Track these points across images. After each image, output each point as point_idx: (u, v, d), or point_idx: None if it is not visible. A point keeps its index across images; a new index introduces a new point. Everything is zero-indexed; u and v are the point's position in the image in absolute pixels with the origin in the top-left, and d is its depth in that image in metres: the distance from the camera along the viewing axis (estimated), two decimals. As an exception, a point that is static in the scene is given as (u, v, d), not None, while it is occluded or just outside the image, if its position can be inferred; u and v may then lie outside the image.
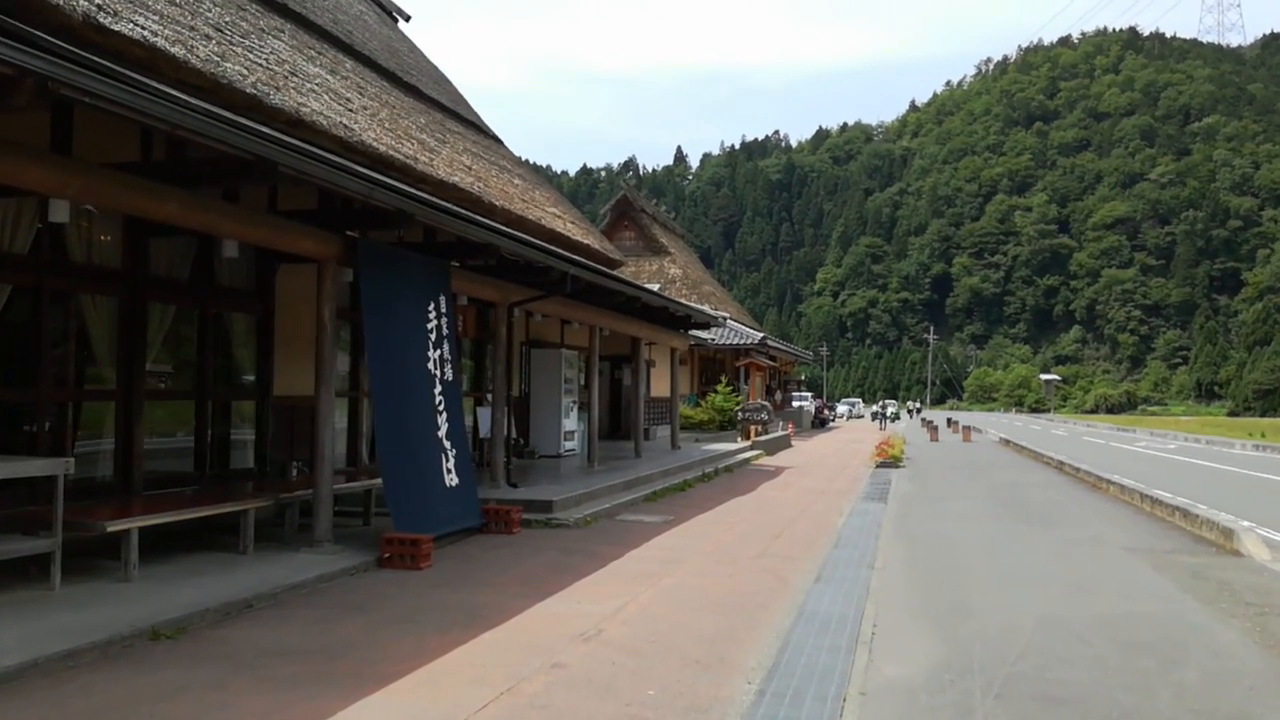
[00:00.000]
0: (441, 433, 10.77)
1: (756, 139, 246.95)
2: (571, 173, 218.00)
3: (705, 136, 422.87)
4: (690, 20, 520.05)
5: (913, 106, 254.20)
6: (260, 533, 9.91)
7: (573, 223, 19.62)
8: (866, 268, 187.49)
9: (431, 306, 10.93)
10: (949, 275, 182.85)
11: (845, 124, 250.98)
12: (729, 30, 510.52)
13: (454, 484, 10.81)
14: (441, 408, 10.87)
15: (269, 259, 11.67)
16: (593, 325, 17.15)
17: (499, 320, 13.38)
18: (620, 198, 45.45)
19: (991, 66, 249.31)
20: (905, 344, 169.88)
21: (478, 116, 20.79)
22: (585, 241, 18.92)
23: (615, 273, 16.73)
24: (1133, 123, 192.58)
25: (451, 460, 10.85)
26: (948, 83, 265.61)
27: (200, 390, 11.02)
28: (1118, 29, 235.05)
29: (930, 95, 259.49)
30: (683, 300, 22.62)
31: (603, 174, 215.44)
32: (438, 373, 10.90)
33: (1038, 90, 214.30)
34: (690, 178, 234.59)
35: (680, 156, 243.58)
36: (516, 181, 18.38)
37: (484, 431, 16.02)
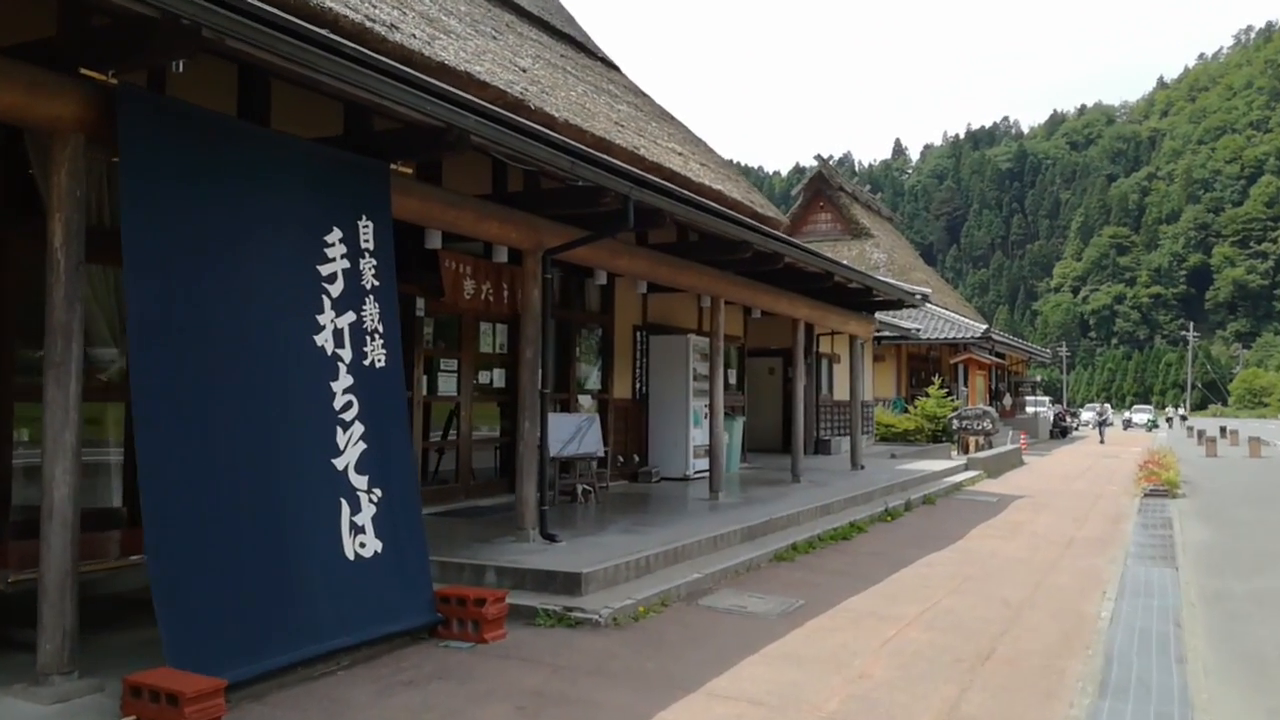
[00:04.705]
0: (345, 462, 5.97)
1: (983, 126, 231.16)
2: (784, 172, 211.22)
3: (926, 127, 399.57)
4: (909, 6, 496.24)
5: (1161, 83, 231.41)
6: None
7: (703, 164, 14.51)
8: (1111, 260, 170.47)
9: (335, 236, 6.16)
10: (1208, 267, 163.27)
11: (1083, 106, 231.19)
12: (951, 13, 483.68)
13: (369, 554, 5.98)
14: (350, 416, 6.07)
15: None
16: (716, 296, 11.99)
17: (526, 277, 8.48)
18: (814, 175, 39.87)
19: (1253, 35, 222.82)
20: (1158, 343, 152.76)
21: (585, 35, 16.06)
22: (718, 188, 13.77)
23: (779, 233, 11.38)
24: None
25: (367, 510, 6.03)
26: (1201, 55, 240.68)
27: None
28: None
29: (1181, 70, 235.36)
30: (858, 268, 17.07)
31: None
32: (344, 353, 6.11)
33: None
34: (910, 171, 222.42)
35: (899, 149, 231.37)
36: (620, 107, 13.49)
37: (556, 447, 11.17)
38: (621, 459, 13.84)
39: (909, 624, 7.12)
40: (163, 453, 4.93)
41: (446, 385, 11.02)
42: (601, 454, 11.94)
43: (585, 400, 13.07)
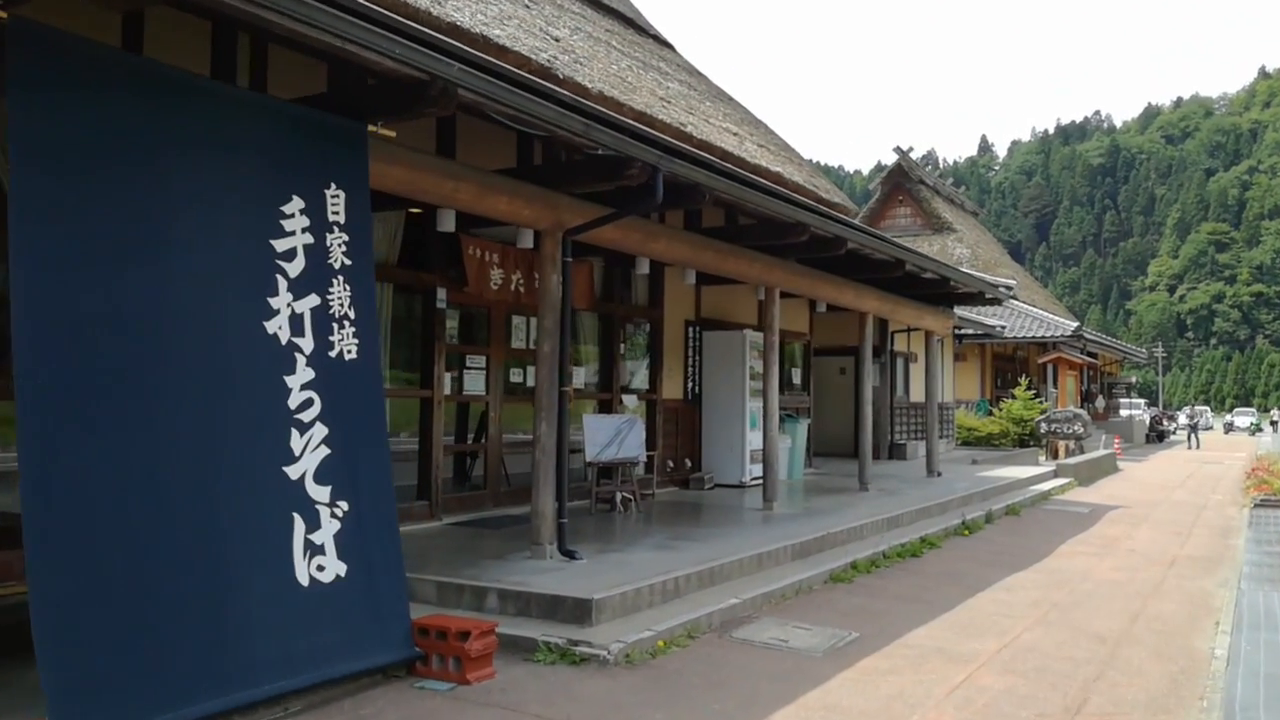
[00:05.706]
0: (301, 470, 5.08)
1: (1074, 121, 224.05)
2: (865, 171, 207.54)
3: (1013, 123, 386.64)
4: (992, 2, 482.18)
5: (1263, 73, 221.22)
6: None
7: (760, 145, 13.42)
8: (1210, 258, 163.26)
9: (295, 207, 5.27)
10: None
11: (1179, 98, 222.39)
12: (1037, 7, 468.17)
13: (329, 578, 5.08)
14: (309, 416, 5.18)
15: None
16: (770, 287, 10.91)
17: (543, 261, 7.53)
18: (893, 168, 38.27)
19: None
20: (1260, 344, 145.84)
21: (636, 11, 15.10)
22: (776, 169, 12.69)
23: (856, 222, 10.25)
24: None
25: (328, 527, 5.13)
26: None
27: None
28: None
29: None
30: (932, 256, 15.82)
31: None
32: (304, 343, 5.22)
33: None
34: (997, 168, 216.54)
35: (985, 146, 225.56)
36: (670, 84, 12.50)
37: (593, 451, 10.27)
38: (671, 464, 12.82)
39: (982, 665, 5.97)
40: (49, 459, 4.07)
41: (473, 384, 10.13)
42: (644, 458, 10.94)
43: (630, 400, 12.07)
